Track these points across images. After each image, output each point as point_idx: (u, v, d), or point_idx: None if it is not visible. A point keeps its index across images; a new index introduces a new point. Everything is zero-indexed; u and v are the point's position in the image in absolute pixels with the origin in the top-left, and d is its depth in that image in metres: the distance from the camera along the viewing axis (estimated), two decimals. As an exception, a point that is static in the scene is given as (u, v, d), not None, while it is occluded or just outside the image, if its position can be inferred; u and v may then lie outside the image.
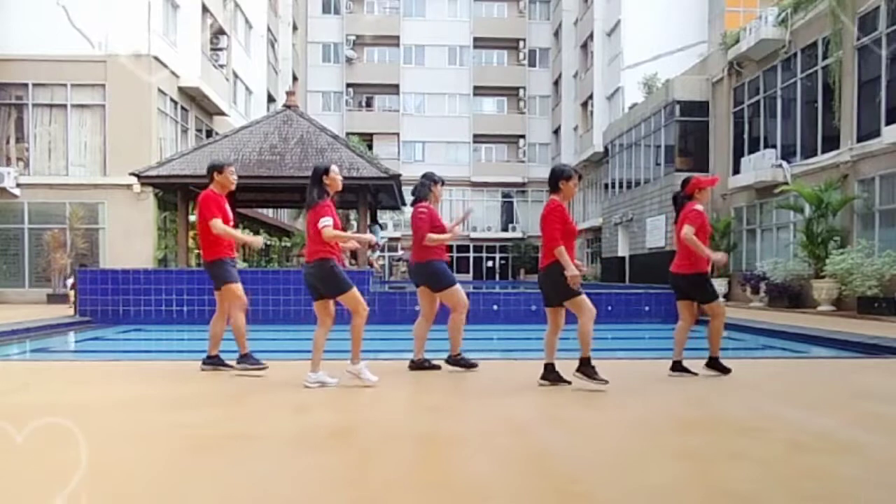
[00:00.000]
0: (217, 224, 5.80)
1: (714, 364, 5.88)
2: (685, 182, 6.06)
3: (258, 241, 6.06)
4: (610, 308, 12.19)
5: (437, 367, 6.13)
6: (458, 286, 6.12)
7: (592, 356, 5.19)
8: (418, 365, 6.11)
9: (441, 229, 6.10)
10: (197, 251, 22.03)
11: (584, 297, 5.18)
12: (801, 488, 2.93)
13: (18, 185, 19.36)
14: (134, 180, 16.04)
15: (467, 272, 43.65)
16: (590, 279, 32.58)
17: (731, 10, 24.38)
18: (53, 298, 17.78)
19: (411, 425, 4.18)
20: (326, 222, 5.26)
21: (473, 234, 43.94)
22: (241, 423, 4.21)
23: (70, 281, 16.06)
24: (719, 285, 20.53)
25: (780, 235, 19.23)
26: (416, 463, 3.31)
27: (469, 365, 6.12)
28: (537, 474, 3.12)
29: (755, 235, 20.49)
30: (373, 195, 16.14)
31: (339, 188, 5.50)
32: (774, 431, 3.95)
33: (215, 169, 6.04)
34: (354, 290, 5.35)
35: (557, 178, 5.33)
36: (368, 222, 15.95)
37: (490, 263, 44.98)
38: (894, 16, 14.77)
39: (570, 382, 5.25)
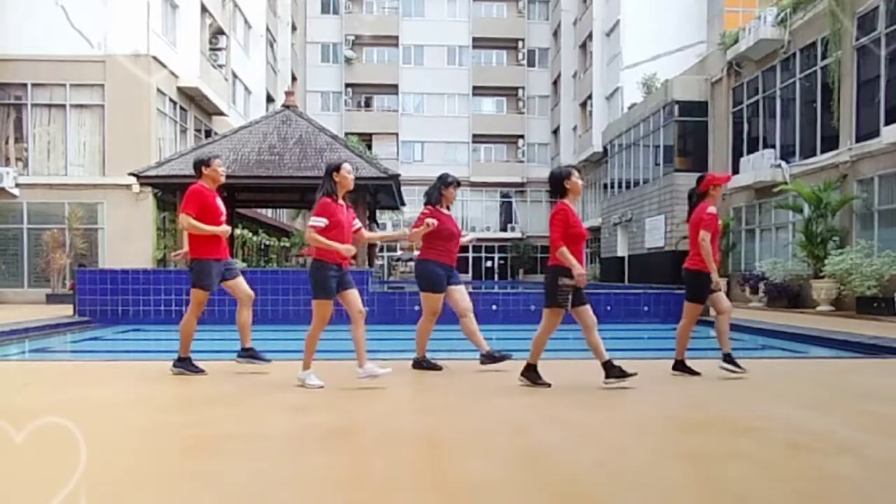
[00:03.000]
0: (183, 219, 5.67)
1: (679, 366, 5.88)
2: (700, 179, 6.01)
3: (225, 230, 5.91)
4: (609, 308, 12.18)
5: (439, 368, 6.16)
6: (436, 295, 6.12)
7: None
8: (418, 363, 6.19)
9: (447, 231, 6.12)
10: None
11: (560, 312, 5.18)
12: (800, 488, 2.93)
13: (17, 185, 19.35)
14: (133, 180, 16.03)
15: (466, 272, 43.63)
16: (588, 278, 32.57)
17: (730, 10, 24.41)
18: (52, 298, 17.76)
19: (411, 425, 4.18)
20: (315, 222, 5.14)
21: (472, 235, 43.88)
22: (240, 423, 4.21)
23: None
24: (718, 285, 20.53)
25: (780, 235, 19.24)
26: (416, 463, 3.30)
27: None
28: (537, 474, 3.12)
29: (754, 235, 20.51)
30: (372, 195, 16.14)
31: (350, 187, 5.38)
32: (774, 431, 3.95)
33: (202, 163, 5.88)
34: (325, 301, 5.17)
35: (561, 180, 5.28)
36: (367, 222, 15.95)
37: (489, 263, 44.98)
38: (893, 16, 14.78)
39: (549, 385, 5.26)
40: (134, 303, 11.55)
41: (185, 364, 5.85)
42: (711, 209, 5.80)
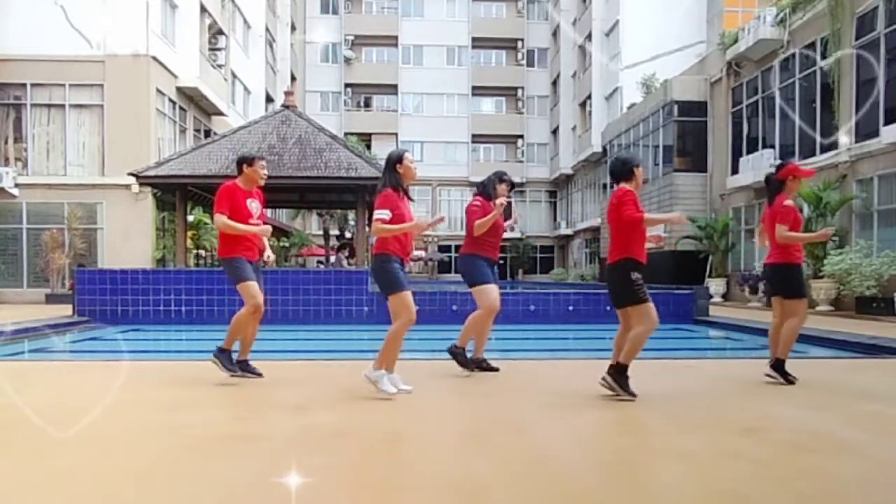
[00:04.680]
0: (218, 219, 5.47)
1: (778, 368, 5.53)
2: (781, 165, 5.72)
3: (265, 230, 5.56)
4: (608, 308, 12.16)
5: (496, 370, 6.04)
6: (488, 286, 5.93)
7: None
8: (477, 364, 6.03)
9: (495, 224, 6.03)
10: (195, 251, 22.05)
11: (649, 305, 4.81)
12: (800, 488, 2.93)
13: (17, 186, 19.35)
14: (132, 180, 16.03)
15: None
16: (588, 278, 32.61)
17: (729, 10, 24.40)
18: (52, 298, 17.75)
19: (411, 425, 4.18)
20: (380, 215, 4.85)
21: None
22: (241, 423, 4.21)
23: None
24: (718, 285, 20.57)
25: (779, 235, 19.22)
26: (416, 463, 3.30)
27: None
28: (537, 474, 3.12)
29: (754, 235, 20.50)
30: (371, 195, 16.13)
31: (415, 176, 5.12)
32: (774, 431, 3.95)
33: (245, 161, 5.63)
34: (403, 294, 4.83)
35: (630, 166, 5.01)
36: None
37: (489, 263, 44.92)
38: (893, 16, 14.79)
39: (634, 396, 4.79)
40: (133, 303, 11.54)
41: (223, 355, 5.52)
42: (788, 202, 5.53)
